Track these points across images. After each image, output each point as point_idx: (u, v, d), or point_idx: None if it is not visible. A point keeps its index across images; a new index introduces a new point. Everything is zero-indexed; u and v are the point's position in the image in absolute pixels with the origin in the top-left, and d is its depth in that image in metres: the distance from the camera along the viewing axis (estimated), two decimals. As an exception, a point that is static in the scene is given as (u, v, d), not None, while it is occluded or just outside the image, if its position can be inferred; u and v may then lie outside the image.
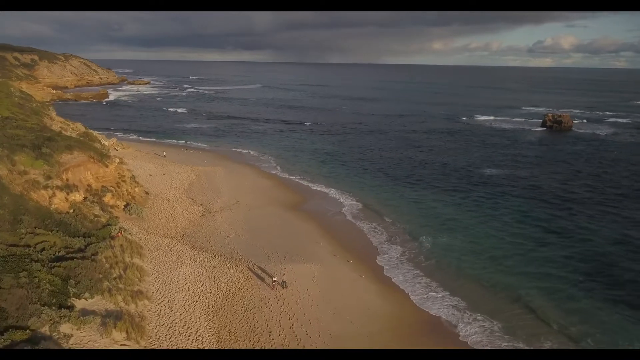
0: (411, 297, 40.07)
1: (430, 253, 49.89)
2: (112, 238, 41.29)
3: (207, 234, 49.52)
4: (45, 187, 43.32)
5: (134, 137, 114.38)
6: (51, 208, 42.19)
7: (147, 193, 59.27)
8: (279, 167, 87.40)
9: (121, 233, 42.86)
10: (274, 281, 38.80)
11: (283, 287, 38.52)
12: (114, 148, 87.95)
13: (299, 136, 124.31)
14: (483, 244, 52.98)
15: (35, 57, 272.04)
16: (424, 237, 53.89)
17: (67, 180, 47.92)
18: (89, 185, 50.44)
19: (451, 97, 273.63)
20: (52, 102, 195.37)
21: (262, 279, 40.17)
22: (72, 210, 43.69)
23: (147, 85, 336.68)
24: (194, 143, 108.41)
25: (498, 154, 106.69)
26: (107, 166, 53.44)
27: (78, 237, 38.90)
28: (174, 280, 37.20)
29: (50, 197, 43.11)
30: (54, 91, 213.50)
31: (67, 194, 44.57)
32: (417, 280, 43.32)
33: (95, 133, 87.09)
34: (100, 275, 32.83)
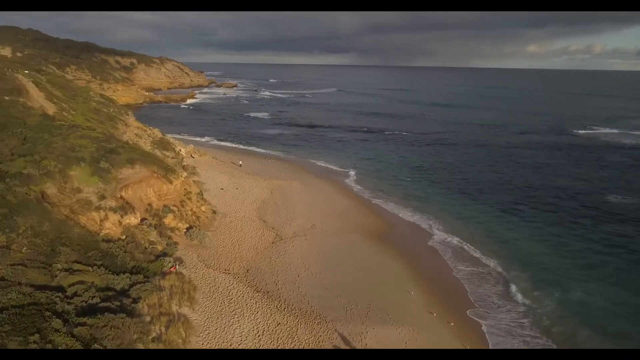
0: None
1: (560, 316, 38.02)
2: (164, 274, 34.72)
3: (276, 271, 41.65)
4: (98, 209, 37.98)
5: (213, 142, 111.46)
6: (100, 234, 36.64)
7: (214, 212, 53.04)
8: (360, 184, 78.23)
9: (175, 268, 36.26)
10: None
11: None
12: (191, 155, 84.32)
13: (382, 147, 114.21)
14: (634, 303, 39.95)
15: (134, 61, 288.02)
16: (546, 289, 41.96)
17: (125, 199, 42.58)
18: (149, 204, 44.88)
19: (552, 105, 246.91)
20: (144, 104, 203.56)
21: (337, 348, 31.27)
22: (124, 237, 37.93)
23: (233, 88, 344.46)
24: (272, 152, 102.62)
25: (622, 175, 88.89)
26: (171, 182, 47.71)
27: (124, 273, 32.68)
28: (226, 341, 29.48)
29: (101, 221, 37.67)
30: (147, 93, 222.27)
31: (122, 216, 38.97)
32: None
33: (172, 139, 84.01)
34: (135, 336, 25.86)
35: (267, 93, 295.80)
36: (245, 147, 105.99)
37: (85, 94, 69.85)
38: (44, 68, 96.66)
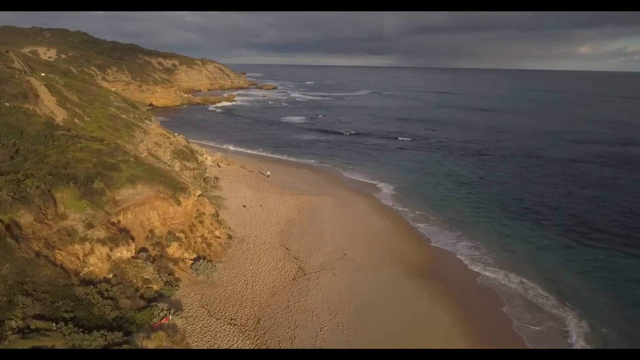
0: None
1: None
2: (153, 329, 27.88)
3: (293, 320, 34.03)
4: (82, 240, 31.68)
5: (244, 149, 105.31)
6: (81, 274, 30.26)
7: (229, 237, 46.12)
8: (399, 201, 69.59)
9: (168, 318, 29.37)
10: None
11: None
12: (218, 164, 78.43)
13: (423, 156, 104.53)
14: None
15: (176, 62, 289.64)
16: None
17: (121, 225, 36.27)
18: (151, 231, 38.43)
19: (611, 111, 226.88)
20: (182, 106, 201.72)
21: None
22: (111, 276, 31.43)
23: (273, 90, 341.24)
24: (304, 161, 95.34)
25: None
26: (179, 204, 41.13)
27: (100, 328, 26.00)
28: None
29: (85, 256, 31.33)
30: (185, 95, 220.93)
31: (111, 248, 32.51)
32: None
33: (197, 147, 78.30)
34: None
35: (305, 96, 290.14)
36: (277, 156, 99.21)
37: (104, 98, 64.98)
38: (73, 70, 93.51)
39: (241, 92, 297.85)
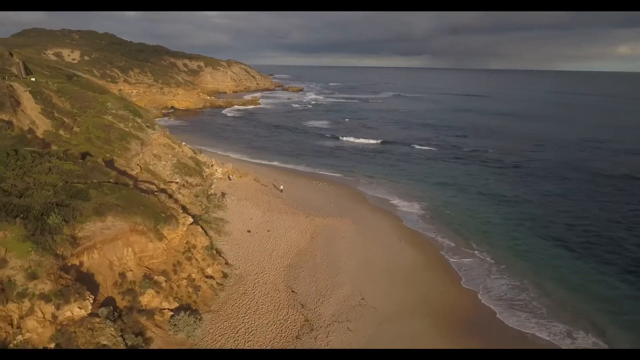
0: None
1: None
2: None
3: (291, 404, 26.09)
4: (21, 297, 24.60)
5: (258, 159, 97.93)
6: (13, 343, 23.14)
7: (224, 276, 38.49)
8: (429, 223, 60.81)
9: (118, 411, 21.86)
10: None
11: None
12: (229, 177, 71.29)
13: (455, 168, 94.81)
14: None
15: (202, 64, 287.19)
16: None
17: (84, 267, 29.19)
18: (122, 275, 31.19)
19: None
20: (204, 108, 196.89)
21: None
22: (53, 345, 24.21)
23: (299, 92, 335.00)
24: (325, 172, 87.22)
25: None
26: (160, 239, 33.82)
27: None
28: None
29: (20, 318, 24.21)
30: (208, 97, 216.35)
31: (58, 306, 25.31)
32: None
33: (206, 158, 71.43)
34: None
35: (331, 98, 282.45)
36: (295, 166, 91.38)
37: (101, 105, 58.64)
38: (80, 74, 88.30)
39: (266, 94, 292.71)
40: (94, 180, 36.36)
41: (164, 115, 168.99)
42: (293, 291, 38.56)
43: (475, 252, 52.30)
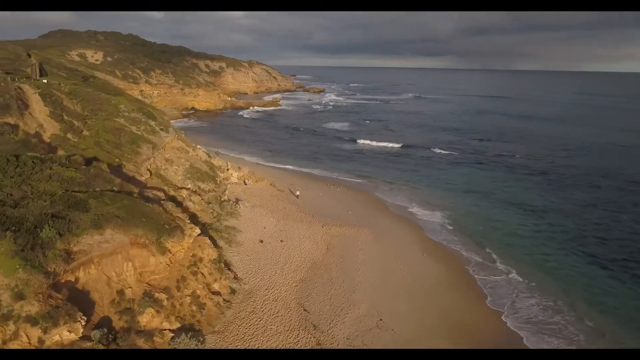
0: None
1: None
2: None
3: None
4: (5, 319, 22.61)
5: (276, 163, 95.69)
6: (-9, 373, 21.08)
7: (232, 292, 36.09)
8: (452, 234, 57.40)
9: None
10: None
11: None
12: (244, 182, 69.20)
13: (479, 174, 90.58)
14: None
15: (223, 65, 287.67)
16: None
17: (79, 284, 27.17)
18: (120, 292, 29.06)
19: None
20: (224, 110, 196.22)
21: None
22: (37, 374, 22.07)
23: (320, 93, 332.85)
24: (343, 177, 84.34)
25: None
26: (163, 252, 31.61)
27: None
28: None
29: (3, 344, 22.17)
30: (229, 98, 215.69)
31: (46, 330, 23.24)
32: None
33: (221, 162, 69.47)
34: None
35: (352, 100, 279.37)
36: (313, 171, 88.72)
37: (113, 107, 57.12)
38: (96, 76, 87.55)
39: (287, 94, 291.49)
40: (96, 189, 34.44)
41: (184, 116, 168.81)
42: (305, 310, 35.89)
43: (502, 267, 48.84)
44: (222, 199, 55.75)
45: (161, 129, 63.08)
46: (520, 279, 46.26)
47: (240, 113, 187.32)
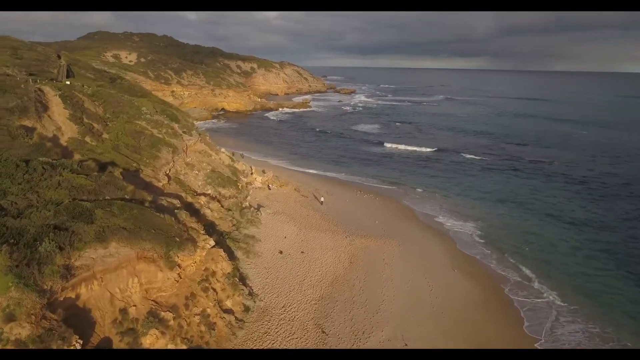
0: None
1: None
2: None
3: None
4: (-7, 343, 20.81)
5: (301, 167, 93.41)
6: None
7: (246, 310, 33.72)
8: (485, 246, 53.58)
9: None
10: None
11: None
12: (268, 186, 67.15)
13: (514, 181, 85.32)
14: None
15: (255, 65, 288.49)
16: None
17: (81, 301, 25.35)
18: (123, 310, 27.11)
19: None
20: (254, 111, 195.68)
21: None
22: (23, 406, 20.18)
23: (351, 94, 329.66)
24: (371, 182, 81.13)
25: None
26: (172, 267, 29.53)
27: None
28: None
29: (-12, 371, 20.37)
30: (259, 100, 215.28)
31: None
32: None
33: (244, 166, 67.65)
34: None
35: (383, 101, 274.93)
36: (340, 175, 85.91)
37: (135, 110, 55.99)
38: (122, 76, 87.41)
39: (317, 96, 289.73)
40: (106, 197, 32.75)
41: (213, 117, 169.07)
42: (323, 332, 33.15)
43: (539, 286, 44.88)
44: (243, 205, 53.71)
45: (184, 132, 61.69)
46: (561, 302, 42.19)
47: (270, 114, 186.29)
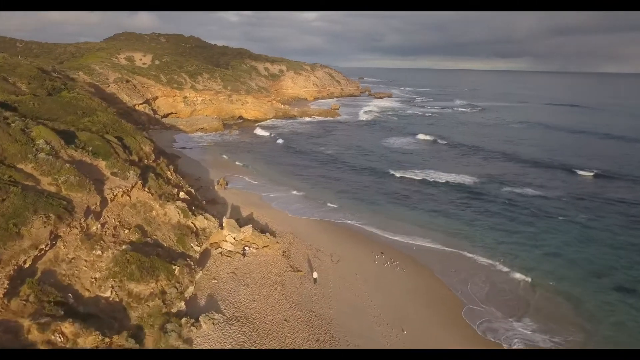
0: None
1: None
2: None
3: None
4: None
5: (302, 210, 70.96)
6: None
7: None
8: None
9: None
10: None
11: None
12: (243, 249, 45.83)
13: (596, 232, 59.97)
14: None
15: (283, 68, 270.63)
16: None
17: None
18: None
19: None
20: (274, 119, 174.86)
21: None
22: None
23: (386, 98, 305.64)
24: (398, 235, 57.35)
25: None
26: None
27: None
28: None
29: None
30: (282, 106, 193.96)
31: None
32: None
33: (209, 223, 46.22)
34: None
35: (422, 107, 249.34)
36: (355, 222, 62.31)
37: (18, 147, 35.38)
38: (162, 77, 67.97)
39: (349, 101, 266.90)
40: None
41: (226, 127, 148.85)
42: None
43: None
44: (173, 309, 32.03)
45: (113, 174, 40.87)
46: None
47: (290, 124, 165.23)
